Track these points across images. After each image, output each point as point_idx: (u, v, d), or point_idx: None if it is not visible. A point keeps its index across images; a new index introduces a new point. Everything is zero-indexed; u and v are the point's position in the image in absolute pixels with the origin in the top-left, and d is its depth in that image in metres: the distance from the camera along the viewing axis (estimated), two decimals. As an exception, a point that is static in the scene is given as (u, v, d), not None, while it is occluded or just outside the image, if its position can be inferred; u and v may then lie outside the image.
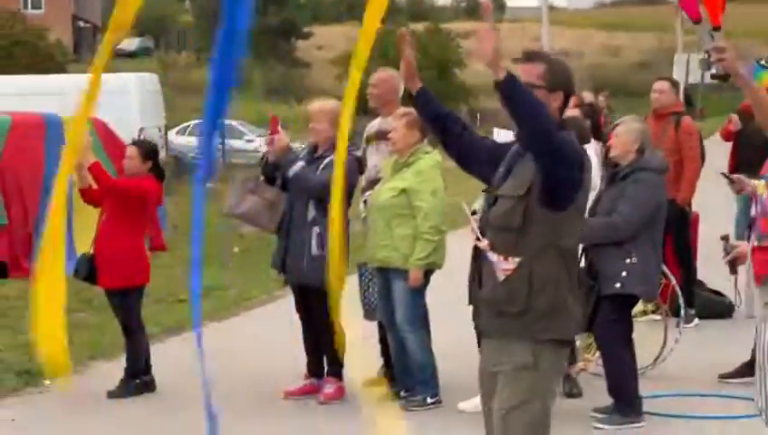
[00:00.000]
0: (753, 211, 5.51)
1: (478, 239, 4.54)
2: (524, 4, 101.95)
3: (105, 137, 14.01)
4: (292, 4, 59.91)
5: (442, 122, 4.79)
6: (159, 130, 25.27)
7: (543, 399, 4.53)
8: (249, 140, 33.82)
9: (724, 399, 7.73)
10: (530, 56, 4.59)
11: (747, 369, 7.90)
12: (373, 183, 7.93)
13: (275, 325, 10.67)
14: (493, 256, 4.45)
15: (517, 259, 4.41)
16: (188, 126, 31.41)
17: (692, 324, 8.36)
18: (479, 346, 7.44)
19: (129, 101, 24.24)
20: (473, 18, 76.87)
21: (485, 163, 4.69)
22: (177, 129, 32.01)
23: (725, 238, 6.87)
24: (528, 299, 4.41)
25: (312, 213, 7.65)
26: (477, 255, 4.61)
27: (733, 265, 6.81)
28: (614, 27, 72.10)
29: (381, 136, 8.04)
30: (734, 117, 11.59)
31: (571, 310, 4.50)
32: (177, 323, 10.55)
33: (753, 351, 7.93)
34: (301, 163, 7.63)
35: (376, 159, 8.05)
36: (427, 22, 54.12)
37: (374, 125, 8.29)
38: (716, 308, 9.94)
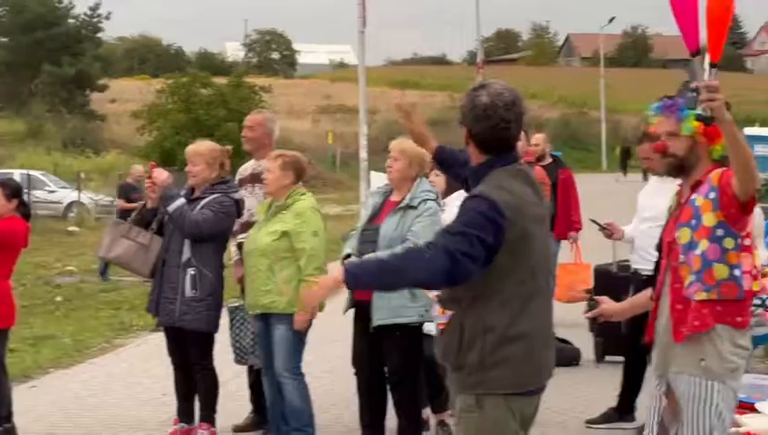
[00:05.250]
0: (683, 257, 4.62)
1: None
2: (315, 61, 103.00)
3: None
4: (88, 56, 58.54)
5: (458, 171, 4.74)
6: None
7: None
8: (51, 191, 33.44)
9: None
10: None
11: (614, 414, 8.13)
12: (246, 226, 7.83)
13: (126, 371, 10.50)
14: (433, 309, 4.37)
15: (450, 313, 4.26)
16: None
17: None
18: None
19: None
20: (265, 74, 77.09)
21: None
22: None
23: (590, 292, 6.40)
24: (458, 355, 4.20)
25: (186, 254, 7.47)
26: None
27: (594, 322, 6.48)
28: (406, 85, 73.29)
29: (255, 179, 8.05)
30: None
31: (512, 360, 4.15)
32: (21, 371, 10.25)
33: (620, 396, 8.26)
34: (182, 200, 7.47)
35: (249, 202, 7.98)
36: (228, 76, 53.75)
37: (247, 168, 8.23)
38: (566, 355, 10.25)
